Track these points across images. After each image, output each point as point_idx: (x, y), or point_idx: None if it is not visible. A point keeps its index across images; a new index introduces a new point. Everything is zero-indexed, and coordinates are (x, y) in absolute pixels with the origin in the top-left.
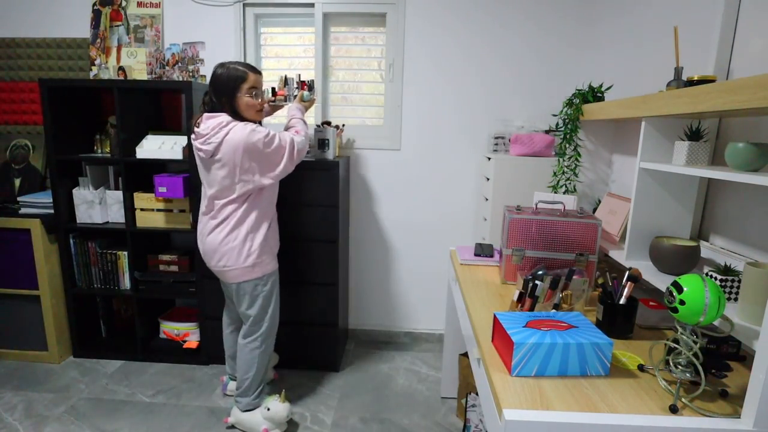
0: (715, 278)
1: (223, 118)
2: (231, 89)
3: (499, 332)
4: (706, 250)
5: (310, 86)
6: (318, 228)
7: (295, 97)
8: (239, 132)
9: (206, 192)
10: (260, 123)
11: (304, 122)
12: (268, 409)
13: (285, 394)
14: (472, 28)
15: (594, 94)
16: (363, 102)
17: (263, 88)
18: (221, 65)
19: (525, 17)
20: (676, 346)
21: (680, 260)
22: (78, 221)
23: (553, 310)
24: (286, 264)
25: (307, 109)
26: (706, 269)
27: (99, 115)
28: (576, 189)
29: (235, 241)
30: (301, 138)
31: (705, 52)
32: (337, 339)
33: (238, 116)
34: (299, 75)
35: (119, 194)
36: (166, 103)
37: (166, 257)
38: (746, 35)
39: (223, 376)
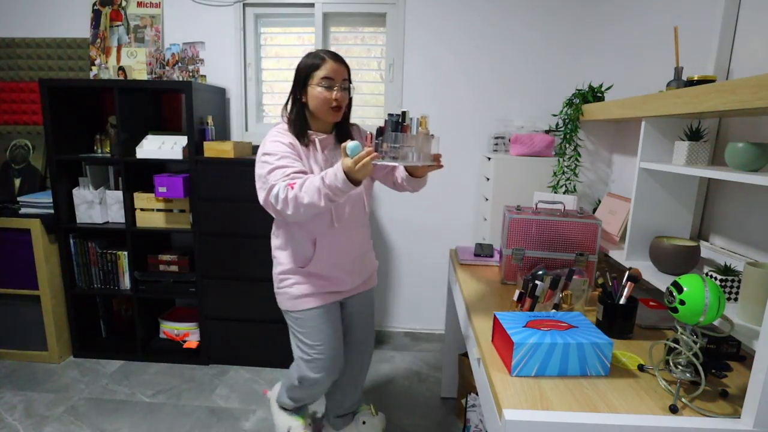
0: (715, 278)
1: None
2: (303, 79)
3: (499, 332)
4: (706, 250)
5: (378, 130)
6: None
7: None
8: (268, 134)
9: None
10: (340, 129)
11: (325, 189)
12: (364, 423)
13: (374, 407)
14: (472, 28)
15: (594, 94)
16: (363, 102)
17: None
18: (304, 56)
19: (525, 18)
20: (676, 346)
21: (680, 260)
22: (78, 221)
23: (553, 310)
24: None
25: (354, 171)
26: (706, 269)
27: (99, 115)
28: (576, 189)
29: (271, 248)
30: (283, 194)
31: (705, 52)
32: None
33: (308, 116)
34: (418, 117)
35: (119, 194)
36: (166, 103)
37: (166, 257)
38: (746, 35)
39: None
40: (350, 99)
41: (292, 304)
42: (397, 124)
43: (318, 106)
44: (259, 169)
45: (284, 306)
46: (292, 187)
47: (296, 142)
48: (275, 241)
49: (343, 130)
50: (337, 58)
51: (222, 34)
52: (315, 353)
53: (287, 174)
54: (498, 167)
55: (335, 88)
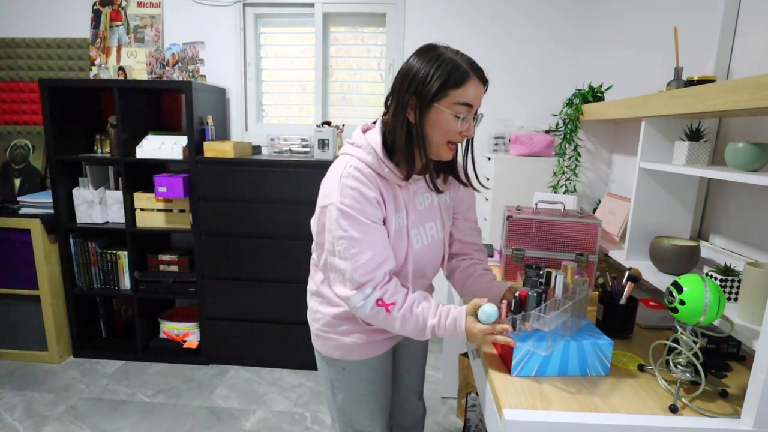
0: (715, 278)
1: (357, 138)
2: (429, 90)
3: None
4: (706, 250)
5: (517, 302)
6: None
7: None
8: (335, 169)
9: None
10: (447, 169)
11: (432, 333)
12: None
13: None
14: (472, 28)
15: (594, 94)
16: (363, 102)
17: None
18: (427, 48)
19: (525, 17)
20: (676, 346)
21: (680, 260)
22: (78, 221)
23: None
24: (285, 264)
25: (477, 340)
26: (706, 269)
27: (99, 115)
28: (576, 189)
29: (308, 288)
30: (371, 311)
31: (705, 52)
32: None
33: (407, 139)
34: (562, 273)
35: (119, 194)
36: (166, 103)
37: (166, 257)
38: (746, 35)
39: None
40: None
41: (342, 353)
42: (540, 296)
43: (436, 137)
44: (327, 222)
45: (330, 353)
46: (389, 310)
47: (381, 190)
48: (318, 276)
49: (452, 171)
50: (483, 77)
51: (222, 34)
52: (364, 411)
53: (373, 257)
54: (498, 167)
55: (470, 121)
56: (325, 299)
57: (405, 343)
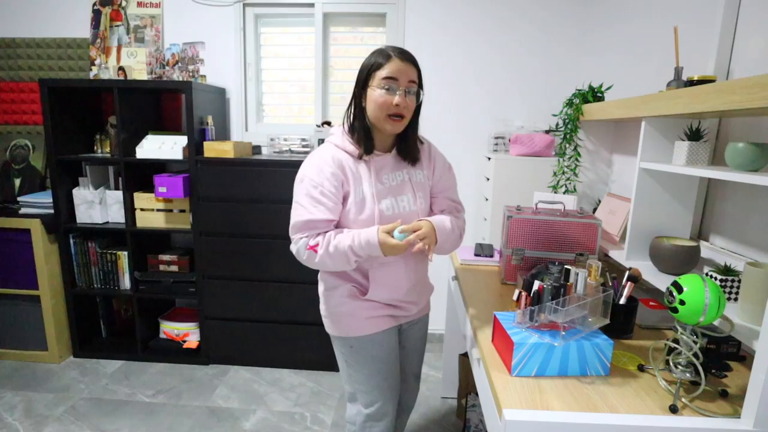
0: (715, 278)
1: (333, 130)
2: (362, 81)
3: (499, 332)
4: (706, 250)
5: (535, 294)
6: None
7: None
8: (321, 147)
9: None
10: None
11: (355, 256)
12: None
13: None
14: (472, 28)
15: (594, 94)
16: None
17: (410, 88)
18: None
19: (525, 17)
20: (676, 346)
21: (680, 260)
22: (78, 221)
23: None
24: (286, 264)
25: (387, 251)
26: (706, 269)
27: (99, 115)
28: (576, 189)
29: (318, 279)
30: (304, 255)
31: (705, 52)
32: None
33: (363, 124)
34: (585, 271)
35: (119, 194)
36: (166, 103)
37: (166, 257)
38: (746, 35)
39: None
40: (418, 107)
41: (342, 328)
42: (558, 289)
43: (375, 113)
44: (294, 188)
45: (334, 331)
46: (315, 251)
47: (344, 167)
48: None
49: (406, 146)
50: (405, 56)
51: (222, 34)
52: (374, 386)
53: (307, 222)
54: (498, 167)
55: (398, 92)
56: (323, 279)
57: (407, 328)
